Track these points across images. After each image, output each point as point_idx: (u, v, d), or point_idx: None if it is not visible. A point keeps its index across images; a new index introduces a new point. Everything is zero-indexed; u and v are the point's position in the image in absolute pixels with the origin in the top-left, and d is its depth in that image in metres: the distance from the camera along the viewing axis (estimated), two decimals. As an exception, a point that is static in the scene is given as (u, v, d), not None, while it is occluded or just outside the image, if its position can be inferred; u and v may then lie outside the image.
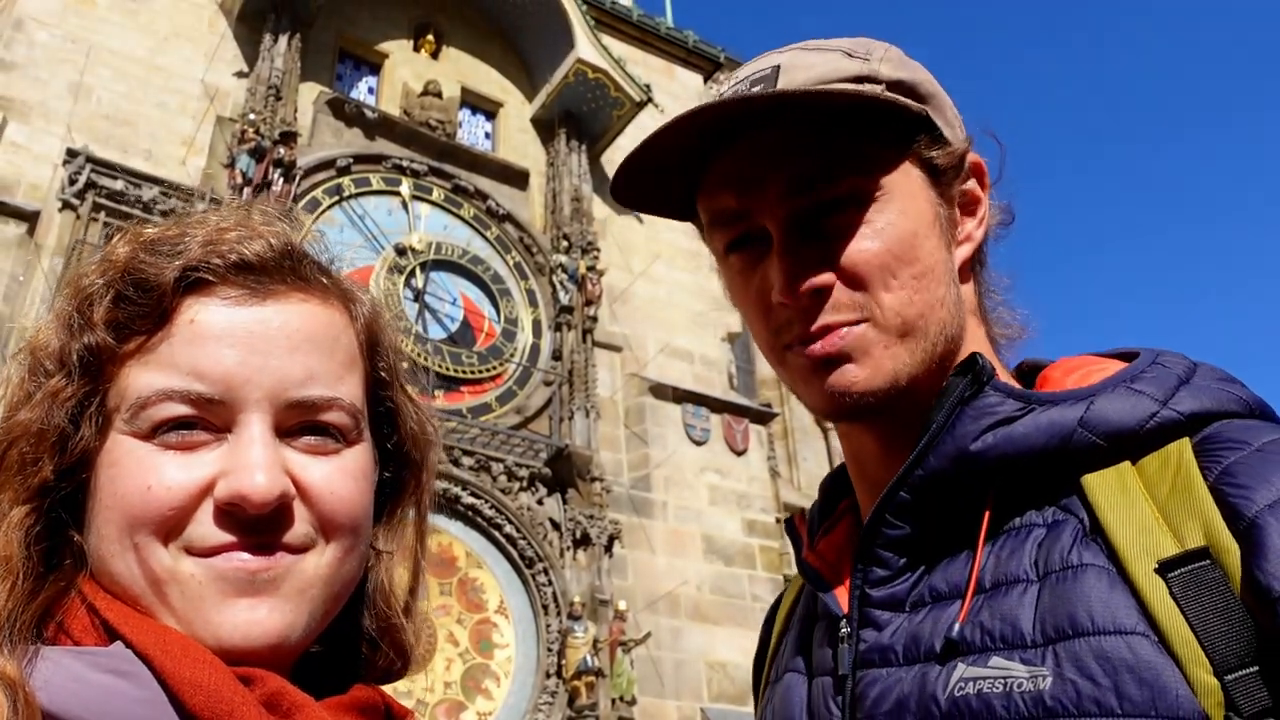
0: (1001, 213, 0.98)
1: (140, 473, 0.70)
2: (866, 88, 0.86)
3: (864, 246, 0.86)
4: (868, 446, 0.94)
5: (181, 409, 0.71)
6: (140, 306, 0.73)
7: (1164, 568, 0.73)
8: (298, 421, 0.74)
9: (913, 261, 0.87)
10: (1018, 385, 0.94)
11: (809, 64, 0.88)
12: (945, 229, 0.91)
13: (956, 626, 0.80)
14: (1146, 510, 0.76)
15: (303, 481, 0.73)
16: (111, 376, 0.73)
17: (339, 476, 0.75)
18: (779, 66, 0.89)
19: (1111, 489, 0.79)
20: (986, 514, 0.84)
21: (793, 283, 0.86)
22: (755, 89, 0.88)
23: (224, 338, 0.72)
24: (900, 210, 0.87)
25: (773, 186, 0.87)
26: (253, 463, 0.70)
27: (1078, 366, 0.92)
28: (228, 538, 0.70)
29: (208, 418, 0.71)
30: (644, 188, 0.95)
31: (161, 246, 0.76)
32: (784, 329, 0.89)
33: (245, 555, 0.70)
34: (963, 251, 0.93)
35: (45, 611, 0.69)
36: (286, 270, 0.77)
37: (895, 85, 0.88)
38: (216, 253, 0.75)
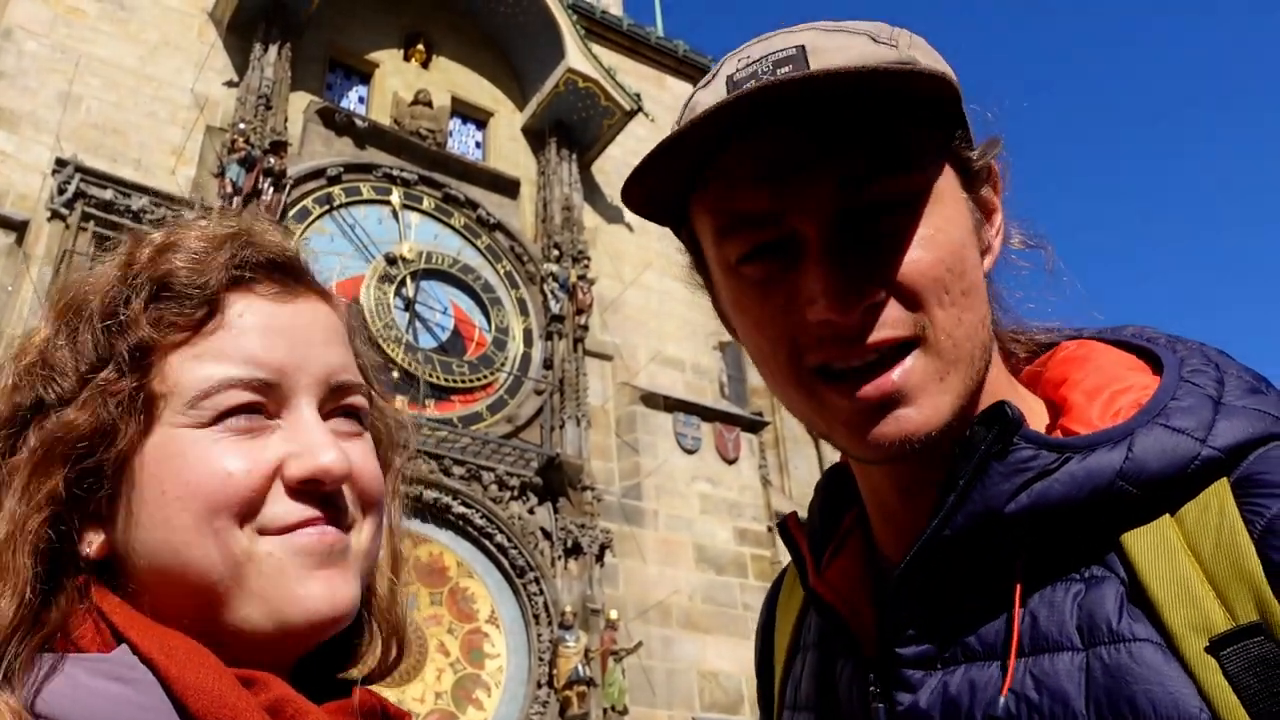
0: (1021, 230, 0.90)
1: (215, 459, 0.72)
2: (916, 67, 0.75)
3: (919, 258, 0.76)
4: (891, 484, 0.86)
5: (245, 396, 0.74)
6: (185, 303, 0.75)
7: (1216, 645, 0.67)
8: (333, 405, 0.79)
9: (961, 275, 0.78)
10: (1031, 395, 0.88)
11: (840, 45, 0.76)
12: (977, 239, 0.82)
13: (1001, 701, 0.73)
14: (1192, 575, 0.70)
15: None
16: (155, 371, 0.74)
17: (370, 457, 0.81)
18: (803, 46, 0.76)
19: (1154, 549, 0.72)
20: (1019, 570, 0.77)
21: (844, 299, 0.75)
22: (782, 71, 0.75)
23: (274, 329, 0.77)
24: (948, 217, 0.78)
25: (816, 185, 0.75)
26: (323, 441, 0.75)
27: (1098, 385, 0.83)
28: (306, 514, 0.74)
29: (266, 404, 0.75)
30: (652, 193, 0.83)
31: (193, 247, 0.78)
32: (814, 349, 0.77)
33: (325, 528, 0.74)
34: (986, 263, 0.84)
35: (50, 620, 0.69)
36: (303, 271, 0.83)
37: (935, 76, 0.76)
38: (259, 253, 0.79)
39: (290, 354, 0.76)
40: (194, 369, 0.73)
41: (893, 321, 0.76)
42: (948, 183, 0.80)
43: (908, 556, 0.80)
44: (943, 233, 0.77)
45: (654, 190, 0.82)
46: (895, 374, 0.76)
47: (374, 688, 0.83)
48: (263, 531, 0.72)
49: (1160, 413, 0.76)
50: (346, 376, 0.80)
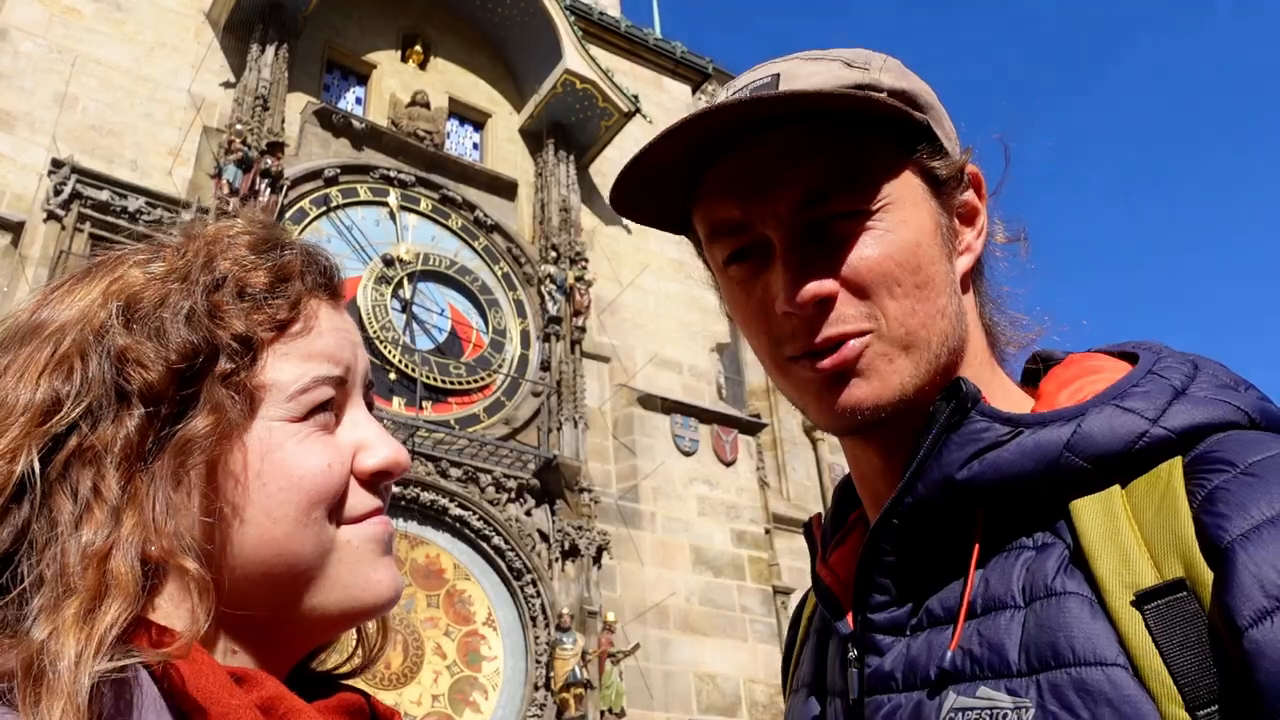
0: (1006, 228, 0.98)
1: (317, 453, 0.75)
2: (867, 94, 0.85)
3: (867, 254, 0.85)
4: (869, 460, 0.93)
5: (330, 392, 0.78)
6: (273, 305, 0.78)
7: (1141, 599, 0.72)
8: (366, 401, 0.84)
9: (915, 270, 0.86)
10: (1020, 391, 0.94)
11: (809, 72, 0.87)
12: (946, 239, 0.90)
13: (948, 655, 0.80)
14: (1130, 537, 0.75)
15: None
16: (257, 365, 0.76)
17: None
18: (779, 74, 0.88)
19: (1097, 515, 0.77)
20: (977, 536, 0.83)
21: (797, 292, 0.84)
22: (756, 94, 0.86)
23: (344, 332, 0.82)
24: (902, 220, 0.86)
25: (780, 197, 0.85)
26: (384, 435, 0.81)
27: (1075, 377, 0.90)
28: (374, 504, 0.79)
29: (337, 400, 0.80)
30: (641, 198, 0.93)
31: (268, 252, 0.81)
32: (787, 340, 0.87)
33: (385, 517, 0.80)
34: (963, 262, 0.92)
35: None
36: (342, 281, 0.88)
37: (896, 95, 0.87)
38: (319, 261, 0.84)
39: (351, 355, 0.82)
40: (289, 366, 0.77)
41: (843, 317, 0.85)
42: (908, 190, 0.87)
43: (873, 523, 0.87)
44: (894, 233, 0.86)
45: (648, 201, 0.93)
46: (846, 348, 0.85)
47: (366, 688, 0.84)
48: (342, 521, 0.77)
49: (1116, 396, 0.82)
50: (371, 375, 0.86)
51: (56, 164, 11.41)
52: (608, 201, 0.94)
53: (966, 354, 0.90)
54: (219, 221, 0.85)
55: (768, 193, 0.86)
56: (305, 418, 0.76)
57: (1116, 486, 0.78)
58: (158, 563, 0.68)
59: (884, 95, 0.85)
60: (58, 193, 11.25)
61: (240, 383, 0.73)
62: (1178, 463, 0.76)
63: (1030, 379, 0.99)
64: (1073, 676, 0.72)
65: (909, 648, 0.85)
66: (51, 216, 11.18)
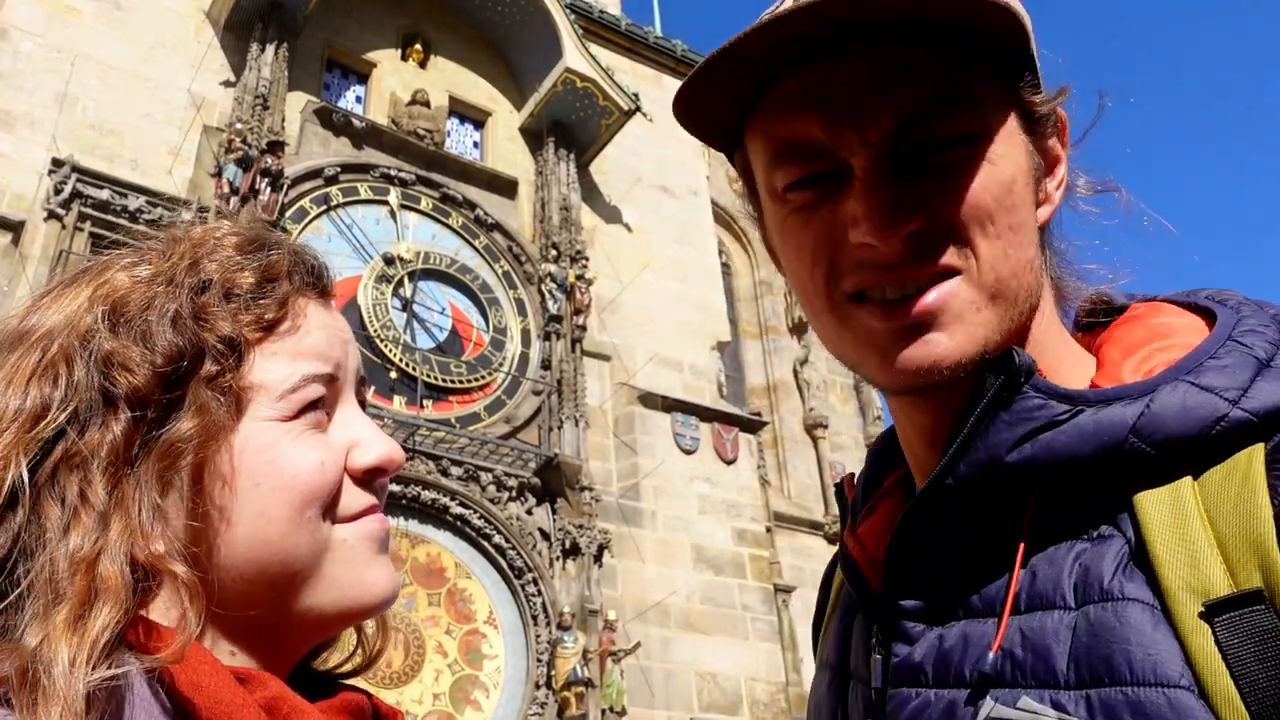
0: (1088, 179, 0.88)
1: (305, 452, 0.75)
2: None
3: (965, 186, 0.75)
4: (921, 423, 0.84)
5: (321, 390, 0.78)
6: (260, 305, 0.78)
7: (1212, 610, 0.63)
8: (359, 398, 0.84)
9: (1011, 210, 0.76)
10: (1088, 355, 0.84)
11: None
12: (1035, 184, 0.81)
13: (990, 656, 0.72)
14: (1200, 537, 0.66)
15: None
16: (244, 366, 0.76)
17: None
18: None
19: (1164, 509, 0.68)
20: (1025, 525, 0.74)
21: (886, 222, 0.74)
22: None
23: (333, 330, 0.82)
24: (1001, 154, 0.76)
25: (874, 119, 0.75)
26: (378, 433, 0.80)
27: (1141, 341, 0.80)
28: (369, 501, 0.79)
29: (328, 398, 0.79)
30: (705, 102, 0.81)
31: (254, 252, 0.81)
32: (853, 273, 0.77)
33: (380, 515, 0.80)
34: (1043, 212, 0.82)
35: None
36: (331, 278, 0.88)
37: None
38: (308, 260, 0.84)
39: (341, 352, 0.82)
40: (278, 365, 0.76)
41: (934, 249, 0.75)
42: (1007, 124, 0.78)
43: (910, 504, 0.79)
44: (994, 167, 0.76)
45: (712, 110, 0.82)
46: (931, 296, 0.74)
47: (368, 687, 0.84)
48: (336, 520, 0.76)
49: (1192, 370, 0.72)
50: (363, 371, 0.86)
51: (57, 163, 11.40)
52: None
53: (1038, 314, 0.81)
54: (206, 223, 0.85)
55: (859, 115, 0.75)
56: (296, 416, 0.76)
57: (1188, 479, 0.69)
58: (147, 566, 0.68)
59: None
60: (58, 192, 11.24)
61: (226, 384, 0.73)
62: (1259, 450, 0.67)
63: (1086, 328, 0.89)
64: (1129, 697, 0.64)
65: (942, 640, 0.77)
66: (52, 216, 11.17)
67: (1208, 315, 0.80)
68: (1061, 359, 0.82)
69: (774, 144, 0.80)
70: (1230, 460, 0.68)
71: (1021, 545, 0.74)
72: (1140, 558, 0.68)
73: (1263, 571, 0.62)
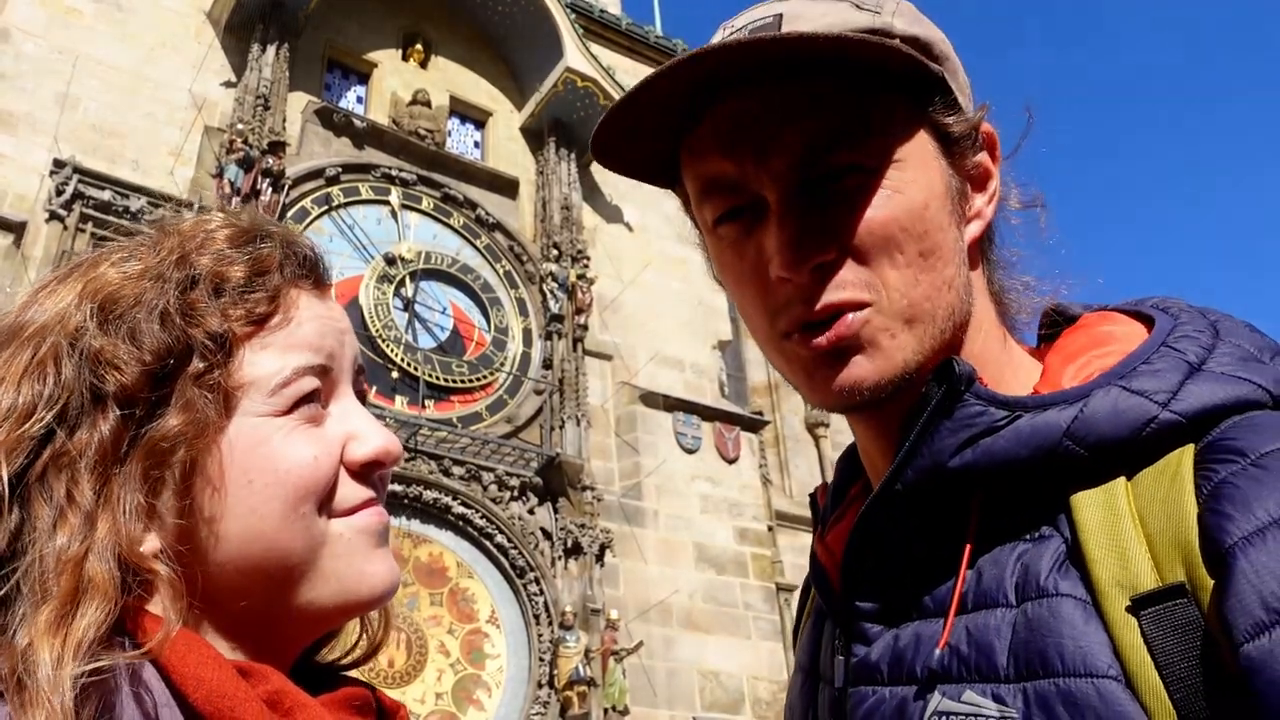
0: (1021, 193, 0.89)
1: (298, 447, 0.74)
2: (885, 41, 0.75)
3: (870, 217, 0.77)
4: (872, 435, 0.87)
5: (315, 383, 0.77)
6: (251, 298, 0.76)
7: (1138, 604, 0.66)
8: (356, 390, 0.83)
9: (921, 236, 0.78)
10: (1035, 363, 0.87)
11: (817, 13, 0.78)
12: (956, 204, 0.82)
13: (936, 653, 0.74)
14: (1132, 536, 0.68)
15: None
16: (233, 362, 0.75)
17: None
18: (781, 15, 0.78)
19: (1097, 509, 0.71)
20: (972, 528, 0.77)
21: (794, 256, 0.76)
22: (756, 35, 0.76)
23: (326, 320, 0.80)
24: (909, 180, 0.78)
25: (778, 153, 0.77)
26: (375, 424, 0.79)
27: (1082, 348, 0.82)
28: (366, 495, 0.78)
29: (323, 391, 0.78)
30: (624, 148, 0.84)
31: (244, 245, 0.79)
32: (782, 311, 0.79)
33: (379, 508, 0.79)
34: (973, 229, 0.84)
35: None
36: (327, 268, 0.87)
37: (910, 41, 0.78)
38: (301, 251, 0.83)
39: (340, 342, 0.81)
40: (269, 359, 0.75)
41: (843, 282, 0.77)
42: (917, 148, 0.80)
43: (861, 509, 0.82)
44: (901, 194, 0.78)
45: (648, 150, 0.85)
46: (848, 321, 0.77)
47: (369, 679, 0.84)
48: (333, 514, 0.75)
49: (1125, 375, 0.74)
50: (361, 362, 0.85)
51: (58, 164, 11.41)
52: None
53: (973, 327, 0.83)
54: (196, 215, 0.84)
55: (764, 149, 0.78)
56: (290, 411, 0.75)
57: (1121, 479, 0.71)
58: (130, 564, 0.68)
59: (897, 42, 0.76)
60: (60, 193, 11.25)
61: (214, 381, 0.72)
62: (1189, 451, 0.69)
63: (1048, 339, 0.90)
64: (1060, 688, 0.67)
65: (896, 639, 0.80)
66: (54, 217, 11.18)
67: (1150, 323, 0.82)
68: (1002, 368, 0.84)
69: (699, 181, 0.83)
70: (1162, 461, 0.70)
71: (968, 547, 0.77)
72: (1075, 556, 0.71)
73: (1186, 567, 0.65)
